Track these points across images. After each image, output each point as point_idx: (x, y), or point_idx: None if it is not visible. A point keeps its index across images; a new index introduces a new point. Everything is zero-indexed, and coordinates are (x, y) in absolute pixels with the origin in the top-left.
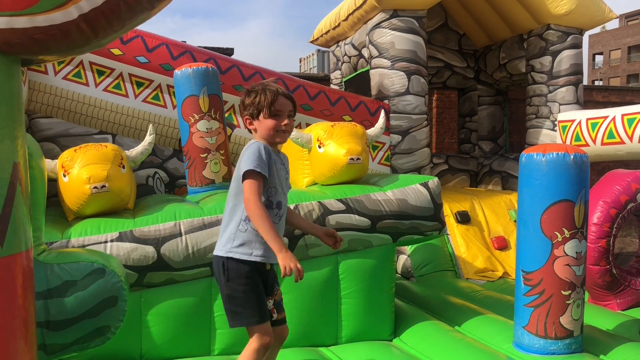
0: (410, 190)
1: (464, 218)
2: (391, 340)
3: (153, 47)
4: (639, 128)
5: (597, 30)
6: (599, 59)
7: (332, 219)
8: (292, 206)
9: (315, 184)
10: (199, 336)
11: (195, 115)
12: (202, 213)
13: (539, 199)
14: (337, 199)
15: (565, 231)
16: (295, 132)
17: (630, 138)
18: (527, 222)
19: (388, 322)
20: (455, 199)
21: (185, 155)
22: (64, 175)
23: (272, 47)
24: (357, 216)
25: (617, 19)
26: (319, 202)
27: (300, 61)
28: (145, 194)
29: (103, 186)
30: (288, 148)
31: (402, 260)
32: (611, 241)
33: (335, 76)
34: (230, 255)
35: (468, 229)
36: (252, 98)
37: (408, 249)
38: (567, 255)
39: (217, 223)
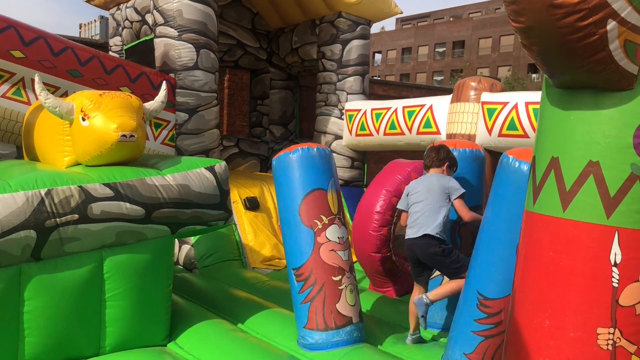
0: (194, 175)
1: (252, 204)
2: (165, 345)
3: None
4: (417, 121)
5: (377, 30)
6: (378, 57)
7: (97, 208)
8: (43, 191)
9: (79, 164)
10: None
11: (323, 217)
12: None
13: (295, 192)
14: (103, 183)
15: (324, 218)
16: (52, 100)
17: (410, 129)
18: (288, 217)
19: (162, 324)
20: (245, 185)
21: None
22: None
23: (50, 10)
24: (128, 204)
25: (395, 21)
26: (80, 186)
27: (80, 27)
28: None
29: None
30: (45, 120)
31: (185, 250)
32: (392, 229)
33: (115, 42)
34: (439, 236)
35: (256, 216)
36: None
37: (192, 238)
38: (330, 240)
39: None
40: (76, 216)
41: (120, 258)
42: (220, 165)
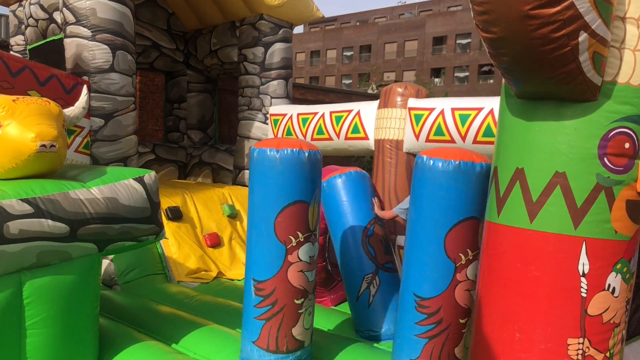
0: (122, 186)
1: (175, 214)
2: None
3: None
4: (345, 126)
5: None
6: None
7: (14, 227)
8: None
9: None
10: None
11: (299, 234)
12: None
13: (274, 200)
14: (21, 199)
15: (300, 235)
16: None
17: (338, 135)
18: (260, 225)
19: (91, 351)
20: (166, 193)
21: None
22: None
23: None
24: (50, 221)
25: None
26: None
27: None
28: None
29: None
30: None
31: (104, 265)
32: (326, 238)
33: (17, 42)
34: None
35: (180, 227)
36: None
37: None
38: (301, 260)
39: None
40: None
41: (42, 281)
42: (149, 176)
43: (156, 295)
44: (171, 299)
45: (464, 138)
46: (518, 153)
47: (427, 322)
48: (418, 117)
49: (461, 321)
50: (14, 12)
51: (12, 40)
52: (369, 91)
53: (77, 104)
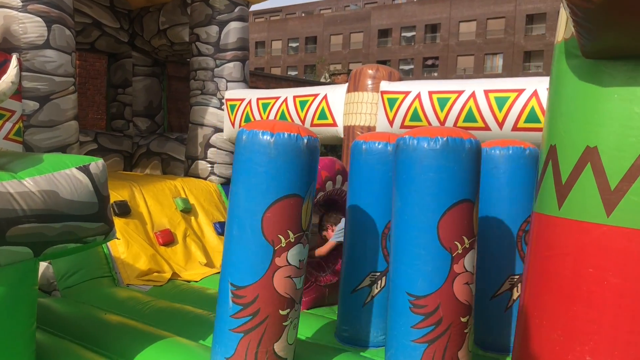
0: (63, 177)
1: (122, 209)
2: None
3: None
4: (310, 111)
5: None
6: None
7: None
8: None
9: None
10: None
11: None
12: None
13: (263, 192)
14: None
15: (291, 234)
16: None
17: (303, 121)
18: (244, 221)
19: None
20: (112, 186)
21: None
22: None
23: None
24: None
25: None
26: None
27: None
28: None
29: None
30: None
31: (41, 269)
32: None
33: None
34: None
35: (128, 223)
36: None
37: None
38: (290, 264)
39: None
40: None
41: None
42: (96, 164)
43: (103, 302)
44: (120, 306)
45: (442, 123)
46: (588, 128)
47: (425, 323)
48: (392, 102)
49: (462, 320)
50: None
51: None
52: (322, 80)
53: (4, 77)
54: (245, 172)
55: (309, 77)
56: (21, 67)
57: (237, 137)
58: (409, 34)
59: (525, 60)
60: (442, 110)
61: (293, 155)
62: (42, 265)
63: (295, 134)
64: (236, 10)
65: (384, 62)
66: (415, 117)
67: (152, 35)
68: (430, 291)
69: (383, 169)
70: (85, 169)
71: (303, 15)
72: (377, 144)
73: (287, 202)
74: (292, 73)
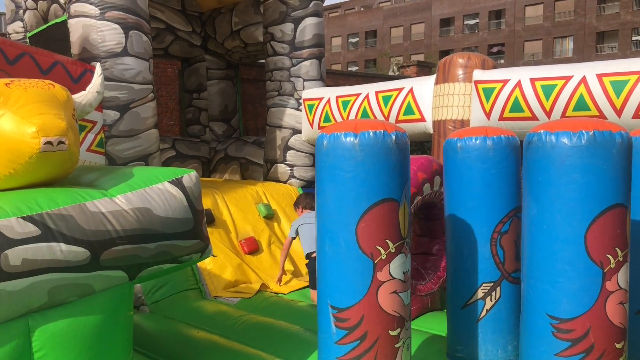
0: (156, 193)
1: (207, 218)
2: None
3: None
4: (395, 107)
5: None
6: None
7: (16, 256)
8: None
9: None
10: None
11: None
12: None
13: (354, 200)
14: (22, 217)
15: (390, 244)
16: None
17: (387, 117)
18: (336, 234)
19: None
20: None
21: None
22: None
23: None
24: (63, 245)
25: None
26: None
27: None
28: None
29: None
30: None
31: None
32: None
33: (15, 29)
34: None
35: (212, 232)
36: None
37: None
38: (394, 278)
39: None
40: None
41: (57, 326)
42: (189, 177)
43: (191, 317)
44: (210, 321)
45: (549, 114)
46: None
47: (572, 351)
48: (488, 92)
49: (617, 346)
50: None
51: (9, 28)
52: (390, 73)
53: (89, 87)
54: (331, 180)
55: (370, 71)
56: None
57: (317, 142)
58: (472, 22)
59: (598, 42)
60: (547, 99)
61: (382, 155)
62: None
63: (382, 131)
64: (311, 5)
65: (447, 52)
66: (516, 107)
67: (225, 37)
68: (578, 313)
69: (483, 167)
70: (178, 182)
71: (362, 9)
72: (474, 140)
73: (382, 209)
74: (353, 69)
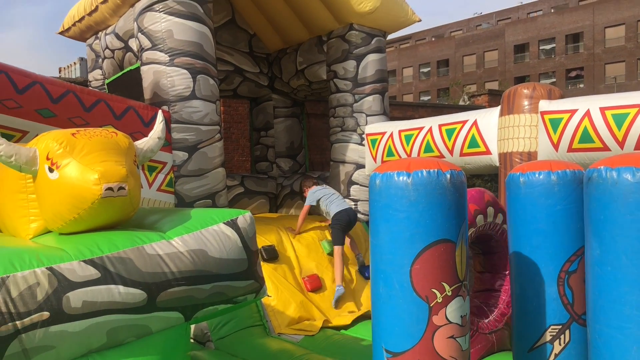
0: (211, 234)
1: (270, 255)
2: None
3: None
4: (459, 140)
5: None
6: None
7: (76, 298)
8: None
9: (50, 232)
10: None
11: (446, 286)
12: None
13: (408, 241)
14: (84, 260)
15: (447, 287)
16: (5, 147)
17: (451, 151)
18: (390, 276)
19: None
20: (259, 230)
21: None
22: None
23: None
24: (121, 287)
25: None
26: (49, 268)
27: (60, 71)
28: None
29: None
30: (3, 174)
31: None
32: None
33: (95, 77)
34: None
35: (276, 268)
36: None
37: None
38: (450, 322)
39: None
40: (46, 314)
41: None
42: (244, 218)
43: (255, 354)
44: (273, 359)
45: (621, 144)
46: None
47: None
48: (555, 122)
49: None
50: (90, 45)
51: (90, 76)
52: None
53: (150, 134)
54: (384, 220)
55: (442, 101)
56: (170, 120)
57: (370, 181)
58: (548, 47)
59: None
60: (619, 128)
61: (436, 194)
62: None
63: (436, 170)
64: (373, 42)
65: (522, 78)
66: (586, 138)
67: (290, 76)
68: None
69: (548, 202)
70: (233, 224)
71: (433, 39)
72: (537, 175)
73: (437, 250)
74: (425, 98)
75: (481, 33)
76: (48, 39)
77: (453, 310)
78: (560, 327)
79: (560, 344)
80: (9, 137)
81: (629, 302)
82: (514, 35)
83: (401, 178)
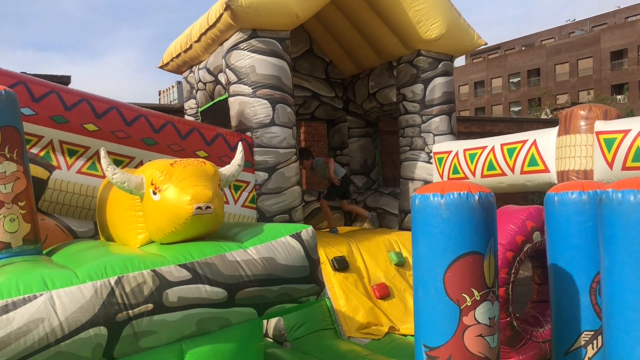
0: (279, 245)
1: (341, 265)
2: None
3: None
4: (520, 159)
5: None
6: None
7: (173, 294)
8: (113, 279)
9: (153, 242)
10: None
11: (475, 292)
12: None
13: (441, 252)
14: (179, 265)
15: (475, 292)
16: (119, 175)
17: (512, 169)
18: (427, 282)
19: None
20: (331, 243)
21: None
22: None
23: (132, 80)
24: (207, 286)
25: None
26: (153, 270)
27: (159, 94)
28: None
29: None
30: (116, 195)
31: (273, 321)
32: (510, 289)
33: (190, 106)
34: None
35: (347, 277)
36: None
37: None
38: (479, 323)
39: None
40: (150, 306)
41: (203, 350)
42: (307, 232)
43: (326, 354)
44: (341, 358)
45: None
46: None
47: None
48: (609, 142)
49: None
50: (185, 78)
51: (186, 105)
52: (542, 116)
53: (232, 162)
54: (423, 234)
55: (534, 111)
56: (252, 144)
57: (411, 201)
58: None
59: None
60: None
61: (465, 213)
62: (274, 318)
63: (465, 192)
64: (440, 66)
65: (620, 86)
66: (638, 157)
67: (363, 99)
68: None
69: (579, 220)
70: (297, 236)
71: (523, 48)
72: (570, 194)
73: (467, 261)
74: (515, 109)
75: (574, 40)
76: (148, 63)
77: (482, 313)
78: (593, 333)
79: (593, 349)
80: (118, 163)
81: (635, 308)
82: (611, 41)
83: (436, 199)
